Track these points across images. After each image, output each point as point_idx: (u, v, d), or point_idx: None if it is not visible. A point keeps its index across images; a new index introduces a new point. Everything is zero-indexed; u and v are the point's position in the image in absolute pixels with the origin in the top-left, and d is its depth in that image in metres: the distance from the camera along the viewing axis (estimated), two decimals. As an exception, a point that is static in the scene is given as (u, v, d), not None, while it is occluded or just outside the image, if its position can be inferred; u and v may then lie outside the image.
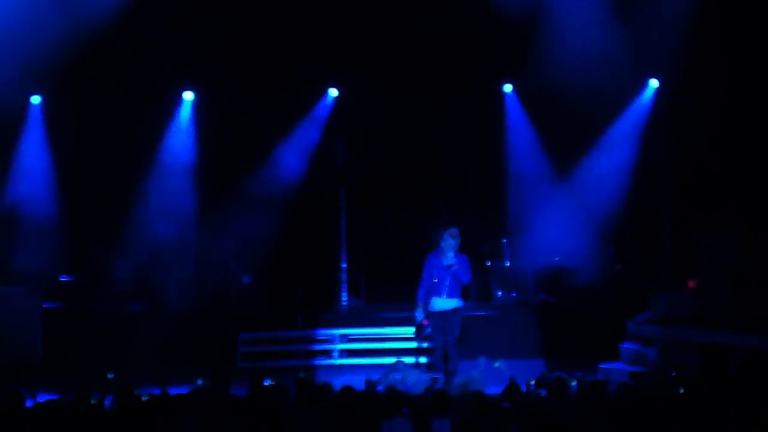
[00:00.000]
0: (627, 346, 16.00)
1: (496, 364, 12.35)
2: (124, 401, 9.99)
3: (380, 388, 11.42)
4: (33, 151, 19.31)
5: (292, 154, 19.61)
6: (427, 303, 14.62)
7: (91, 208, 18.51)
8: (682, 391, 10.39)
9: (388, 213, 19.21)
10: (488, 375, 12.46)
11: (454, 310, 14.60)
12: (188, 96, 19.63)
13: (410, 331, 16.52)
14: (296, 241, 18.82)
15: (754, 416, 8.63)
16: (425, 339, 14.99)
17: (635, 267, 17.78)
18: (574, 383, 11.78)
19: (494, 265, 19.04)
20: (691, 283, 16.26)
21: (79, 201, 18.67)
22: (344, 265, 18.69)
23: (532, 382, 12.25)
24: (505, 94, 19.95)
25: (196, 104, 19.66)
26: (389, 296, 18.24)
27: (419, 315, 14.68)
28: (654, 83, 19.28)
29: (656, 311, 16.26)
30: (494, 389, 11.64)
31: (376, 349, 16.89)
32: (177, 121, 19.67)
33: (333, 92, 19.70)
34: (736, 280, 15.13)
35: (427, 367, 15.49)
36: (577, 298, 17.99)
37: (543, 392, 11.12)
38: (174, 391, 10.12)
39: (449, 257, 14.51)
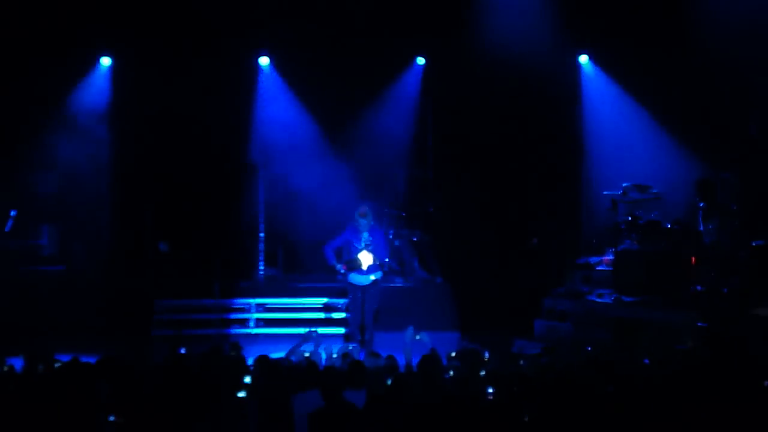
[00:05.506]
0: (542, 320, 16.18)
1: (418, 336, 12.44)
2: (37, 367, 9.88)
3: (293, 358, 11.39)
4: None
5: (218, 123, 19.21)
6: (339, 255, 14.65)
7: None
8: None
9: (307, 183, 19.08)
10: (412, 346, 12.55)
11: (374, 283, 14.67)
12: (106, 61, 19.30)
13: (326, 301, 16.69)
14: (214, 210, 18.65)
15: (665, 388, 8.77)
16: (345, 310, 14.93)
17: (552, 241, 17.88)
18: (488, 356, 11.88)
19: (417, 237, 18.96)
20: (607, 260, 16.46)
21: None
22: (262, 235, 18.59)
23: (453, 354, 12.36)
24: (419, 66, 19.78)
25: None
26: (306, 266, 18.25)
27: (340, 267, 14.71)
28: (584, 59, 19.16)
29: (571, 286, 16.46)
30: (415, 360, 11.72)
31: (292, 318, 16.92)
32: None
33: (263, 61, 19.43)
34: (650, 259, 15.33)
35: (344, 337, 15.56)
36: (493, 273, 18.13)
37: (458, 364, 11.21)
38: (88, 358, 10.01)
39: (364, 237, 14.54)
